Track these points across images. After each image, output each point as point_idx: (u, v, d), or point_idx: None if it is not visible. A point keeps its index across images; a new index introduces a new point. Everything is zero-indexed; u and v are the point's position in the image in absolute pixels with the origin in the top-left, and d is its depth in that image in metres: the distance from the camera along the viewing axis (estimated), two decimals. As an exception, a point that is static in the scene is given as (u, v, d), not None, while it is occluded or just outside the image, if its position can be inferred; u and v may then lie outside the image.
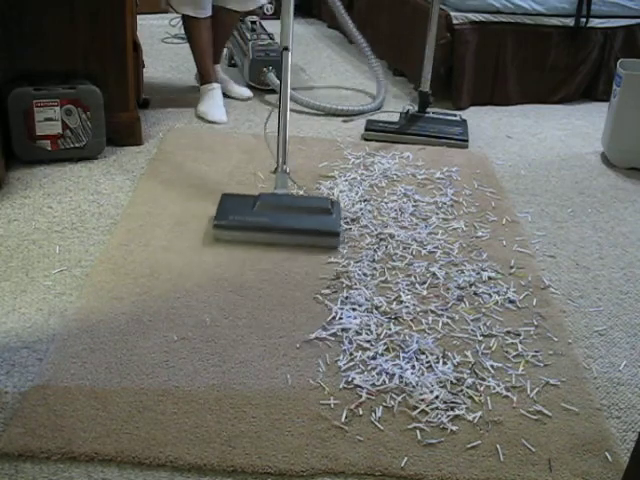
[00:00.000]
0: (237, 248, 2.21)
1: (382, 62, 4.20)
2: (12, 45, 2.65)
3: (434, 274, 2.15)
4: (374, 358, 1.78)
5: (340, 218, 2.32)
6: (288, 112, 2.40)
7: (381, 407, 1.63)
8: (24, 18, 2.63)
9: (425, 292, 2.06)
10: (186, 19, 3.23)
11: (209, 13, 3.18)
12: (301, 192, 2.52)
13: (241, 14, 3.45)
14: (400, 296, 2.03)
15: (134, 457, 1.46)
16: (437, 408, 1.64)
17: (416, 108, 3.26)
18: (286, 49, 2.40)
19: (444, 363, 1.78)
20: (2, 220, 2.30)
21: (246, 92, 3.55)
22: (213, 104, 3.26)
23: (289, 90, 2.42)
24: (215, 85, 3.31)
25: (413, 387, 1.69)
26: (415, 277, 2.13)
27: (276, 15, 5.10)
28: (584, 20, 3.60)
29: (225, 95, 3.45)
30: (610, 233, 2.50)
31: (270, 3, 5.10)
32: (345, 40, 4.72)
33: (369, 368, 1.75)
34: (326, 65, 4.15)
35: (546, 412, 1.66)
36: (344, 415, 1.60)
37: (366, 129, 3.15)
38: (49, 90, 2.62)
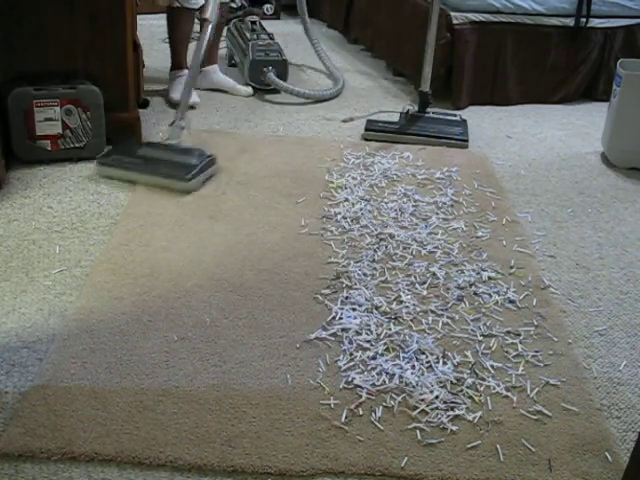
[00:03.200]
0: (237, 248, 2.22)
1: (382, 62, 4.21)
2: (12, 45, 2.65)
3: (434, 274, 2.15)
4: (374, 358, 1.78)
5: (202, 170, 2.56)
6: (197, 77, 2.87)
7: (381, 407, 1.63)
8: (24, 18, 2.63)
9: (425, 292, 2.06)
10: (172, 11, 3.27)
11: (197, 5, 3.22)
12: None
13: (222, 7, 3.46)
14: (400, 296, 2.03)
15: (134, 457, 1.46)
16: (437, 408, 1.64)
17: (416, 108, 3.26)
18: (205, 20, 2.76)
19: (444, 363, 1.78)
20: (2, 220, 2.30)
21: (248, 89, 3.56)
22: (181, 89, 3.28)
23: (200, 58, 2.76)
24: (184, 71, 3.33)
25: (413, 387, 1.69)
26: (415, 277, 2.13)
27: (276, 15, 5.11)
28: (584, 20, 3.60)
29: (227, 93, 3.48)
30: (610, 233, 2.50)
31: (270, 3, 5.10)
32: (345, 40, 4.73)
33: (369, 368, 1.75)
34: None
35: (546, 412, 1.66)
36: (344, 415, 1.60)
37: (366, 129, 3.15)
38: (49, 90, 2.62)
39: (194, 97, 3.23)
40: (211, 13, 2.76)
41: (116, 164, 2.59)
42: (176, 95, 3.25)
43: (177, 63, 3.38)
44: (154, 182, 2.53)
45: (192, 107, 3.20)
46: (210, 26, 2.76)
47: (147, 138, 2.96)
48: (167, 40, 3.46)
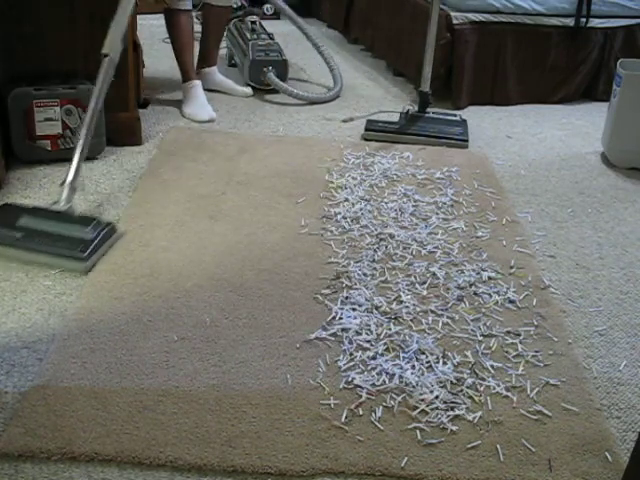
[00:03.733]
0: (237, 248, 2.22)
1: (382, 62, 4.21)
2: (12, 45, 2.65)
3: (434, 274, 2.15)
4: (374, 358, 1.78)
5: (101, 244, 2.10)
6: (91, 125, 2.30)
7: (381, 407, 1.63)
8: (24, 18, 2.63)
9: (425, 292, 2.06)
10: (168, 13, 3.25)
11: (190, 6, 3.22)
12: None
13: (227, 11, 3.46)
14: (400, 296, 2.03)
15: (134, 457, 1.46)
16: (437, 408, 1.64)
17: (416, 108, 3.26)
18: (106, 56, 2.29)
19: (444, 363, 1.78)
20: (2, 220, 2.30)
21: (247, 90, 3.56)
22: (197, 103, 3.26)
23: (99, 101, 2.33)
24: (195, 82, 3.31)
25: (413, 387, 1.69)
26: (415, 277, 2.13)
27: (276, 15, 5.11)
28: (584, 20, 3.60)
29: (226, 93, 3.48)
30: (610, 233, 2.50)
31: (270, 3, 5.10)
32: (345, 40, 4.73)
33: (369, 368, 1.75)
34: (326, 65, 4.13)
35: (546, 412, 1.66)
36: (344, 415, 1.60)
37: (366, 129, 3.15)
38: (49, 90, 2.62)
39: (211, 112, 3.22)
40: (111, 45, 2.31)
41: None
42: (189, 109, 3.24)
43: (185, 74, 3.33)
44: (41, 260, 2.06)
45: (210, 121, 3.19)
46: (108, 62, 2.32)
47: (147, 138, 2.96)
48: (167, 40, 3.46)
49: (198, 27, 3.53)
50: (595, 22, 3.64)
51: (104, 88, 2.33)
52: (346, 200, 2.55)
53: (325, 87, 3.72)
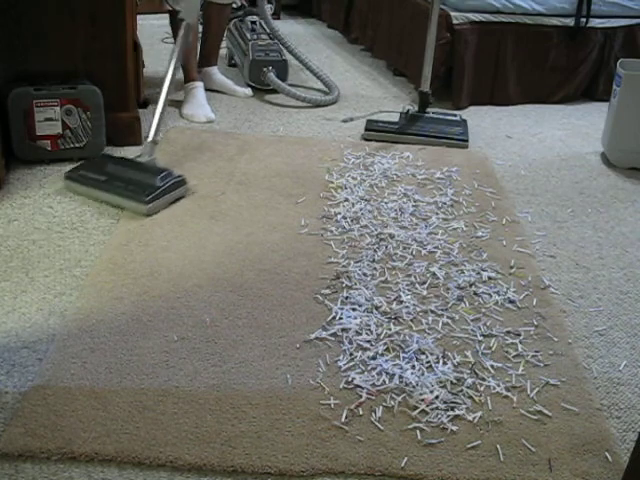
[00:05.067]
0: (237, 248, 2.22)
1: (382, 62, 4.21)
2: (12, 45, 2.65)
3: (434, 274, 2.15)
4: (374, 358, 1.78)
5: (165, 193, 2.41)
6: (168, 86, 2.66)
7: (381, 407, 1.63)
8: (24, 18, 2.63)
9: (425, 292, 2.06)
10: (171, 14, 3.24)
11: None
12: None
13: (227, 8, 3.46)
14: (400, 296, 2.03)
15: (134, 457, 1.46)
16: (437, 408, 1.64)
17: (416, 108, 3.26)
18: (182, 20, 2.71)
19: (444, 363, 1.78)
20: (2, 220, 2.30)
21: (247, 91, 3.56)
22: (195, 104, 3.26)
23: (178, 64, 2.73)
24: (197, 84, 3.32)
25: (413, 387, 1.69)
26: (415, 277, 2.13)
27: (276, 15, 5.11)
28: (584, 20, 3.60)
29: (226, 94, 3.47)
30: (610, 233, 2.50)
31: (270, 3, 5.10)
32: (345, 40, 4.73)
33: (369, 368, 1.75)
34: (326, 65, 4.14)
35: (546, 412, 1.66)
36: (344, 415, 1.60)
37: (366, 129, 3.15)
38: (49, 90, 2.62)
39: (209, 114, 3.23)
40: (186, 13, 2.71)
41: (81, 180, 2.49)
42: (187, 110, 3.25)
43: (187, 74, 3.34)
44: (114, 202, 2.41)
45: (208, 122, 3.19)
46: (186, 26, 2.70)
47: (146, 139, 2.96)
48: (167, 40, 3.46)
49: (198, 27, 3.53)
50: (595, 22, 3.64)
51: (181, 51, 2.71)
52: (346, 200, 2.55)
53: (322, 91, 3.71)
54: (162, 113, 2.62)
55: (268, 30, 3.78)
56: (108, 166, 2.51)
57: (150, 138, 2.60)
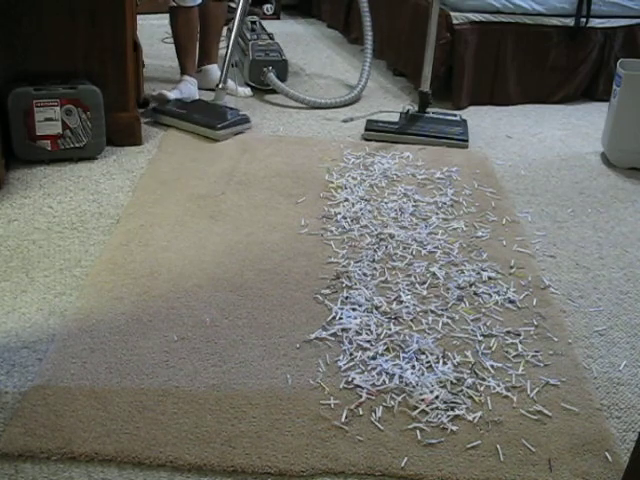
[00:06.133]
0: (237, 248, 2.22)
1: (382, 62, 4.21)
2: (12, 45, 2.65)
3: (434, 274, 2.15)
4: (374, 358, 1.78)
5: (233, 125, 3.03)
6: (234, 39, 3.17)
7: (381, 407, 1.63)
8: (24, 18, 2.63)
9: (425, 292, 2.06)
10: (172, 10, 3.26)
11: (195, 2, 3.22)
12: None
13: (222, 5, 3.45)
14: (400, 296, 2.03)
15: (134, 457, 1.46)
16: (437, 408, 1.64)
17: (416, 108, 3.26)
18: None
19: (444, 363, 1.78)
20: (2, 220, 2.30)
21: (247, 91, 3.56)
22: (177, 88, 3.29)
23: (240, 26, 3.22)
24: (187, 77, 3.32)
25: (413, 387, 1.69)
26: (415, 277, 2.13)
27: (276, 15, 5.11)
28: (584, 20, 3.60)
29: (226, 93, 3.49)
30: (610, 233, 2.50)
31: (270, 3, 5.10)
32: (345, 40, 4.73)
33: (369, 368, 1.75)
34: (326, 65, 4.15)
35: (546, 412, 1.66)
36: (344, 415, 1.60)
37: (366, 129, 3.15)
38: (49, 90, 2.62)
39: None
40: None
41: (167, 112, 3.10)
42: (169, 93, 3.24)
43: (182, 67, 3.35)
44: (192, 129, 3.02)
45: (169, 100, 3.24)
46: None
47: (147, 138, 2.96)
48: (167, 40, 3.46)
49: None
50: (595, 22, 3.64)
51: (242, 16, 3.17)
52: (346, 200, 2.55)
53: (322, 92, 3.71)
54: (229, 62, 3.11)
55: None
56: (191, 105, 3.16)
57: (220, 85, 3.12)
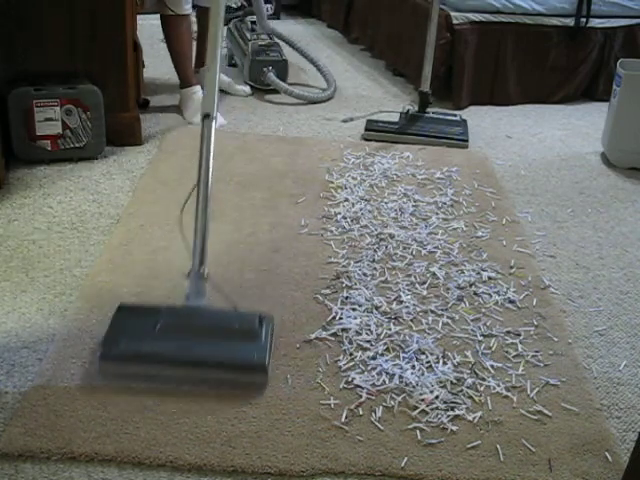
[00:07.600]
0: (237, 248, 2.22)
1: (382, 62, 4.21)
2: (12, 45, 2.65)
3: (434, 274, 2.15)
4: (374, 358, 1.78)
5: (269, 342, 1.75)
6: (209, 196, 1.90)
7: (381, 407, 1.63)
8: (24, 18, 2.63)
9: (425, 292, 2.06)
10: (166, 19, 3.17)
11: (189, 10, 3.17)
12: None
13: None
14: (400, 296, 2.03)
15: (134, 457, 1.46)
16: (437, 408, 1.64)
17: (416, 108, 3.26)
18: (207, 117, 1.91)
19: (444, 363, 1.78)
20: (2, 220, 2.30)
21: (246, 89, 3.56)
22: (199, 110, 3.21)
23: (210, 168, 1.94)
24: (196, 88, 3.23)
25: (413, 387, 1.69)
26: (415, 277, 2.13)
27: (276, 15, 5.11)
28: (584, 20, 3.60)
29: (226, 93, 3.47)
30: (610, 233, 2.50)
31: (270, 3, 5.10)
32: (345, 40, 4.73)
33: (369, 368, 1.75)
34: (326, 65, 4.14)
35: (546, 412, 1.66)
36: (344, 415, 1.60)
37: (366, 129, 3.15)
38: (49, 90, 2.62)
39: (220, 119, 3.09)
40: (215, 106, 2.00)
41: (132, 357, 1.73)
42: (190, 116, 3.17)
43: (185, 79, 3.26)
44: (208, 377, 1.70)
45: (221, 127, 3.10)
46: (213, 124, 2.00)
47: (147, 138, 2.96)
48: (163, 41, 3.44)
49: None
50: (595, 22, 3.64)
51: (211, 151, 2.03)
52: (346, 200, 2.55)
53: (320, 88, 3.71)
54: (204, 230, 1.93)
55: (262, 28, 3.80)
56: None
57: (196, 271, 1.78)
